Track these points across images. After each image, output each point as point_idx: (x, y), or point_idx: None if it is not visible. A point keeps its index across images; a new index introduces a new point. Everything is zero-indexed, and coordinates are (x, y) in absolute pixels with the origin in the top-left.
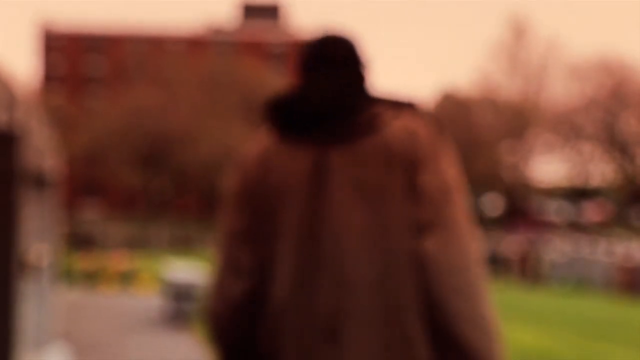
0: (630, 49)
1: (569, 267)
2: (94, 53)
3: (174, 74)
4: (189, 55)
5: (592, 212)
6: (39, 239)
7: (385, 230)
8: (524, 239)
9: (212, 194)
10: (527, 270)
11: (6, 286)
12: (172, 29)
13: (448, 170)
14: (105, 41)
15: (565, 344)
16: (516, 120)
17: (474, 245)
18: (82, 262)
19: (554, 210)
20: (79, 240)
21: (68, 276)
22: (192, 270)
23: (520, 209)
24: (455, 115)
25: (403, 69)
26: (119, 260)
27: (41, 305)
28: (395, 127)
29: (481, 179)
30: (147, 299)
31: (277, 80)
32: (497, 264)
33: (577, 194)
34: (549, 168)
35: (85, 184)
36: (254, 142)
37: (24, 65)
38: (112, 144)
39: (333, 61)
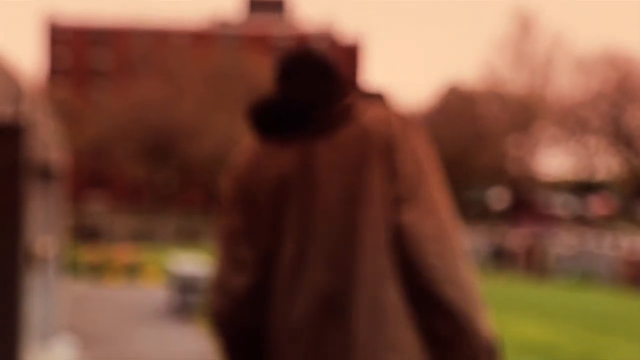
0: (636, 43)
1: (575, 260)
2: (100, 46)
3: (179, 68)
4: (194, 49)
5: (597, 205)
6: (45, 231)
7: (367, 209)
8: (530, 233)
9: (217, 187)
10: (532, 263)
11: (13, 278)
12: (178, 23)
13: (421, 151)
14: (111, 34)
15: (570, 338)
16: (522, 113)
17: (450, 217)
18: (88, 254)
19: (560, 204)
20: (85, 233)
21: (74, 268)
22: (198, 263)
23: (525, 202)
24: (461, 109)
25: (409, 62)
26: (124, 253)
27: (47, 297)
28: (369, 116)
29: (487, 172)
30: (153, 292)
31: None
32: (502, 257)
33: (583, 188)
34: (554, 161)
35: (90, 177)
36: (243, 145)
37: (30, 59)
38: (117, 137)
39: (306, 67)
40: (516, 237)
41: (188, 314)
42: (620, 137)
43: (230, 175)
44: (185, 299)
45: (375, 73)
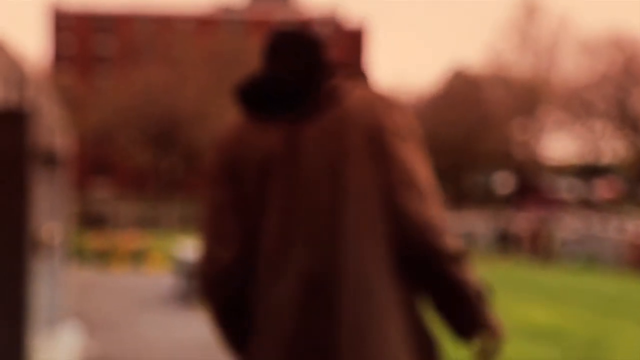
0: None
1: (580, 244)
2: (104, 32)
3: (183, 53)
4: (198, 35)
5: (603, 189)
6: (50, 217)
7: (353, 190)
8: (535, 217)
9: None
10: (538, 247)
11: (18, 264)
12: (181, 8)
13: (407, 132)
14: (115, 20)
15: (576, 321)
16: (527, 97)
17: (438, 196)
18: (93, 241)
19: (565, 188)
20: (90, 220)
21: (79, 255)
22: None
23: (531, 186)
24: (466, 93)
25: (414, 47)
26: (129, 240)
27: (53, 283)
28: (355, 97)
29: (492, 156)
30: (158, 278)
31: None
32: (508, 241)
33: (588, 172)
34: (560, 145)
35: (95, 163)
36: (230, 122)
37: (34, 46)
38: (121, 123)
39: (293, 46)
40: (521, 222)
41: (193, 300)
42: (625, 120)
43: (217, 150)
44: (190, 285)
45: (380, 58)
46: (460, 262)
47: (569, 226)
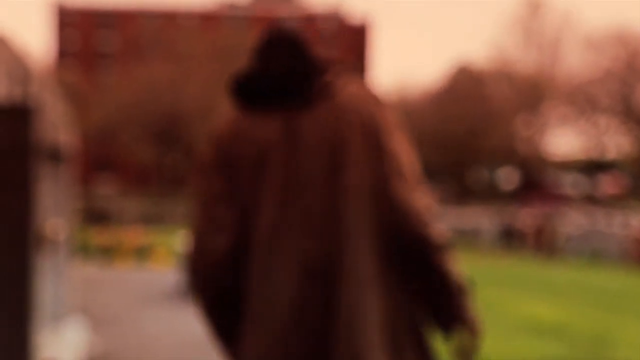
0: None
1: (584, 239)
2: (107, 29)
3: (187, 50)
4: (202, 31)
5: (607, 184)
6: (54, 213)
7: (350, 180)
8: (539, 212)
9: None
10: (542, 243)
11: (23, 260)
12: (185, 4)
13: (396, 127)
14: (119, 17)
15: (580, 317)
16: (531, 93)
17: (423, 186)
18: (98, 237)
19: (570, 183)
20: (94, 216)
21: (84, 251)
22: None
23: (535, 182)
24: (470, 89)
25: (417, 42)
26: (134, 236)
27: (57, 279)
28: (348, 93)
29: (496, 152)
30: (162, 274)
31: None
32: (512, 237)
33: (593, 167)
34: (564, 141)
35: (99, 160)
36: (223, 114)
37: (38, 42)
38: (125, 120)
39: (283, 44)
40: (526, 217)
41: None
42: (630, 116)
43: (212, 141)
44: None
45: (384, 53)
46: (444, 252)
47: (573, 222)
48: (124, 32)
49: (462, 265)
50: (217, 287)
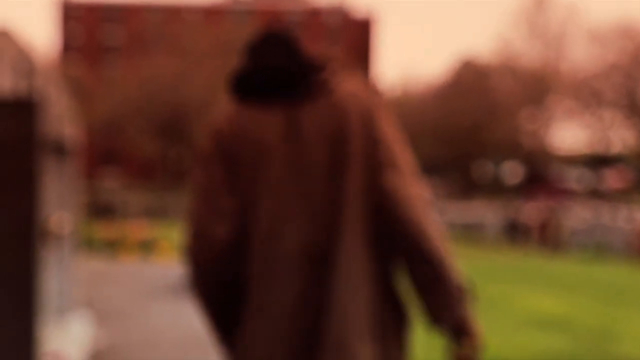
0: None
1: (589, 234)
2: (112, 23)
3: (191, 44)
4: (206, 25)
5: (612, 179)
6: (59, 207)
7: (350, 171)
8: (544, 207)
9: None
10: (547, 237)
11: (28, 254)
12: None
13: (391, 121)
14: (123, 11)
15: (585, 311)
16: (536, 87)
17: (419, 179)
18: (102, 231)
19: (574, 178)
20: (99, 209)
21: (88, 245)
22: None
23: (540, 176)
24: (474, 83)
25: (422, 36)
26: (138, 229)
27: (62, 273)
28: (347, 89)
29: (501, 146)
30: (167, 267)
31: None
32: (517, 231)
33: (598, 161)
34: (569, 135)
35: (104, 154)
36: (222, 107)
37: (43, 36)
38: (130, 114)
39: (279, 41)
40: (530, 211)
41: None
42: (635, 110)
43: (211, 132)
44: None
45: (389, 47)
46: (440, 243)
47: (578, 216)
48: (128, 26)
49: (467, 259)
50: (218, 275)
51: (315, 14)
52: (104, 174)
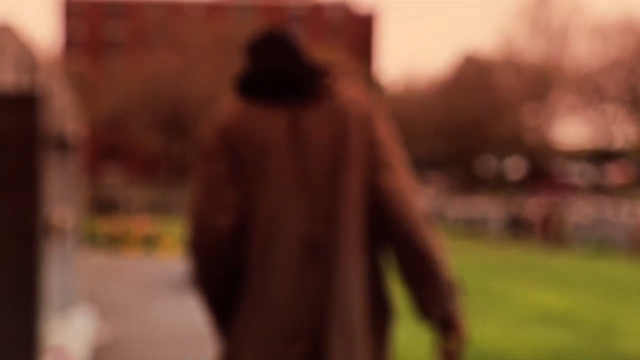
0: None
1: (592, 229)
2: (114, 18)
3: (193, 39)
4: (208, 20)
5: (615, 174)
6: (62, 202)
7: (350, 171)
8: (547, 202)
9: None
10: (549, 232)
11: (31, 249)
12: None
13: (388, 128)
14: (125, 6)
15: (587, 306)
16: (539, 82)
17: (413, 181)
18: (106, 226)
19: (577, 173)
20: (102, 205)
21: (91, 240)
22: None
23: (542, 171)
24: (477, 78)
25: (424, 32)
26: (141, 225)
27: (65, 268)
28: (347, 94)
29: (503, 141)
30: (169, 263)
31: None
32: (519, 226)
33: (600, 156)
34: (571, 130)
35: (106, 149)
36: (227, 104)
37: (45, 32)
38: (132, 109)
39: (283, 43)
40: (533, 206)
41: None
42: (638, 105)
43: (216, 128)
44: None
45: (391, 43)
46: (434, 241)
47: (580, 211)
48: (131, 21)
49: (469, 255)
50: (218, 264)
51: (317, 9)
52: (106, 170)
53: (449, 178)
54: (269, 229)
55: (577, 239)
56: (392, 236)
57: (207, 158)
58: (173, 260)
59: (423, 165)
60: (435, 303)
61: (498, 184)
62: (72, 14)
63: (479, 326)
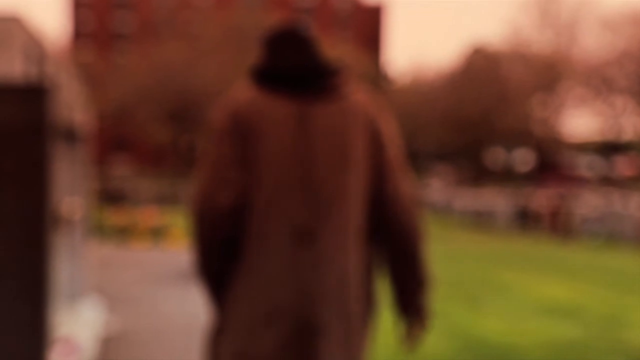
0: None
1: (600, 221)
2: (123, 9)
3: (201, 30)
4: (216, 11)
5: (623, 166)
6: (71, 193)
7: (353, 167)
8: (555, 194)
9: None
10: (557, 224)
11: (40, 240)
12: None
13: (392, 129)
14: None
15: (595, 298)
16: (547, 74)
17: (410, 180)
18: (114, 217)
19: (585, 165)
20: (110, 196)
21: (100, 231)
22: None
23: (551, 163)
24: (485, 70)
25: (433, 23)
26: (149, 216)
27: (74, 259)
28: (354, 98)
29: (512, 133)
30: (178, 254)
31: None
32: (527, 218)
33: (609, 148)
34: (580, 122)
35: (114, 140)
36: (241, 89)
37: (54, 23)
38: (140, 100)
39: (299, 40)
40: (541, 199)
41: None
42: None
43: (228, 110)
44: None
45: (399, 34)
46: (424, 241)
47: (589, 203)
48: (139, 12)
49: (477, 246)
50: (218, 234)
51: (325, 0)
52: (114, 161)
53: (457, 170)
54: (267, 213)
55: (585, 231)
56: (389, 238)
57: (216, 138)
58: (181, 251)
59: (431, 157)
60: (414, 301)
61: (506, 176)
62: (81, 5)
63: (486, 318)
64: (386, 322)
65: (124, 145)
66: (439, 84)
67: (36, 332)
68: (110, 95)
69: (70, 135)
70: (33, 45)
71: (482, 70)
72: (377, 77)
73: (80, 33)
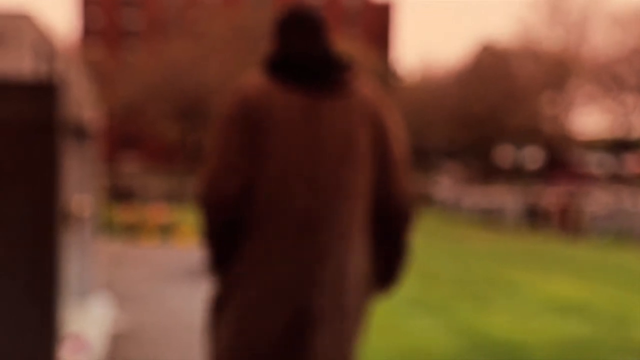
0: None
1: (610, 219)
2: (132, 7)
3: (209, 28)
4: (225, 9)
5: (633, 164)
6: (80, 190)
7: (361, 160)
8: (564, 192)
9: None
10: (567, 222)
11: (49, 236)
12: None
13: (397, 126)
14: None
15: (604, 296)
16: (557, 71)
17: (411, 178)
18: (123, 214)
19: (595, 163)
20: (119, 193)
21: (109, 228)
22: None
23: (560, 161)
24: (495, 67)
25: (442, 20)
26: (158, 213)
27: (83, 255)
28: (362, 93)
29: (521, 131)
30: (187, 251)
31: None
32: (537, 216)
33: (619, 146)
34: (590, 120)
35: (123, 138)
36: (250, 78)
37: (63, 20)
38: (149, 98)
39: (310, 25)
40: (551, 196)
41: None
42: None
43: (238, 98)
44: None
45: (408, 31)
46: (411, 224)
47: (598, 201)
48: (148, 10)
49: (486, 244)
50: (223, 216)
51: None
52: (124, 158)
53: (466, 167)
54: (272, 201)
55: (595, 228)
56: (386, 230)
57: (225, 123)
58: (190, 249)
59: (440, 154)
60: (393, 281)
61: (515, 174)
62: (90, 3)
63: (494, 316)
64: (386, 322)
65: (133, 143)
66: (448, 81)
67: (46, 329)
68: (119, 92)
69: (79, 133)
70: (43, 42)
71: (491, 67)
72: (386, 75)
73: (90, 30)
